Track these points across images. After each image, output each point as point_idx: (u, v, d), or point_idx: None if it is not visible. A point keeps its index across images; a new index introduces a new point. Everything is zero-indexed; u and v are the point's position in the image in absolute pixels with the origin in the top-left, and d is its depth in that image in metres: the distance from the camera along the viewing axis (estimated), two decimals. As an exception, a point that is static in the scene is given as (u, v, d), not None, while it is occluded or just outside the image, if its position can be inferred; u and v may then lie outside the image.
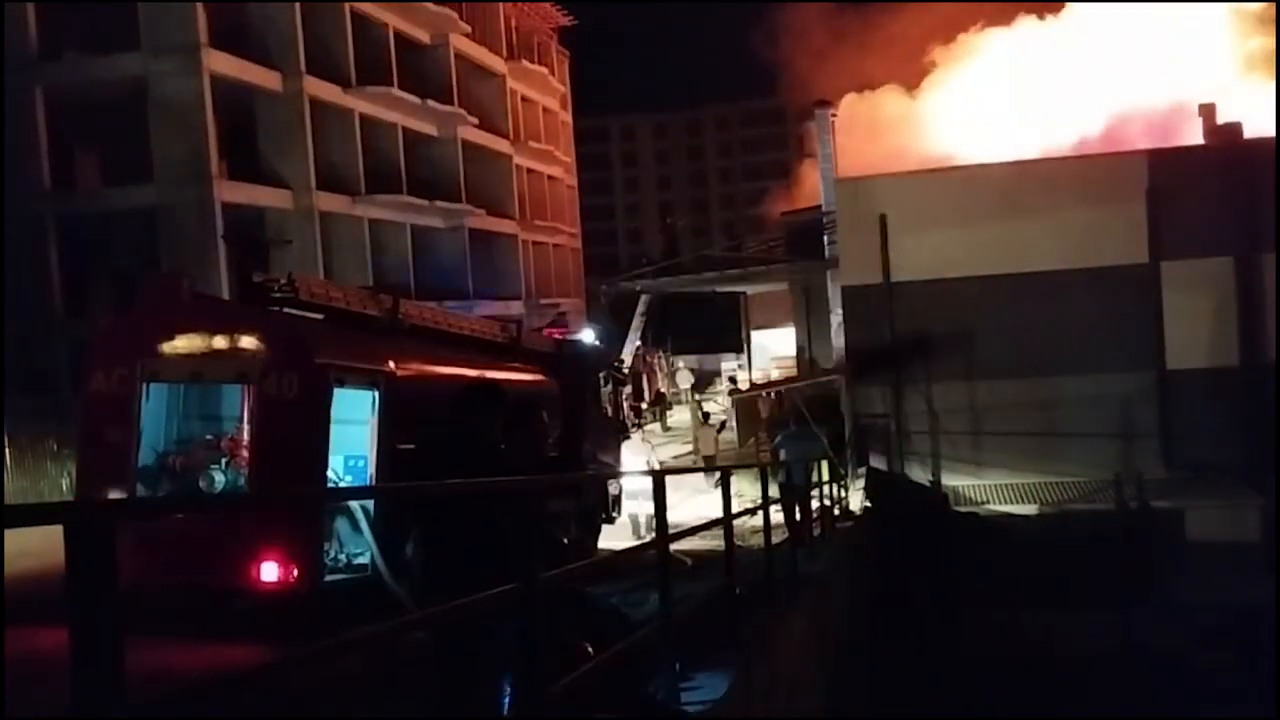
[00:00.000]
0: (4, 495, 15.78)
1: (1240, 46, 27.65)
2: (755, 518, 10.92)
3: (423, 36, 39.90)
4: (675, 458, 30.93)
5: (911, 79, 33.68)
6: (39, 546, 2.87)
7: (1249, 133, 22.27)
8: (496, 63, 46.38)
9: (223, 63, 28.77)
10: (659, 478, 6.62)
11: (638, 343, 33.18)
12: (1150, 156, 22.23)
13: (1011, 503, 21.77)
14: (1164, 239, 21.69)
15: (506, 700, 5.48)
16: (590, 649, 6.18)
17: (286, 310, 10.66)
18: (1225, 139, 22.15)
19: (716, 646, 7.59)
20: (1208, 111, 22.94)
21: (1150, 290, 21.81)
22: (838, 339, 24.77)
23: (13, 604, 4.18)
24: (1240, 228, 21.44)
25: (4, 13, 27.32)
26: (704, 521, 8.44)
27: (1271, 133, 21.67)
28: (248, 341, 9.90)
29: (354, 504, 9.66)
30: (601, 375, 18.15)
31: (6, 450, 17.31)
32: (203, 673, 2.68)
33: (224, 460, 9.92)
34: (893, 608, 17.83)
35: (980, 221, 22.24)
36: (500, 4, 47.81)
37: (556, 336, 24.09)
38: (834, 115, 26.27)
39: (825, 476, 16.79)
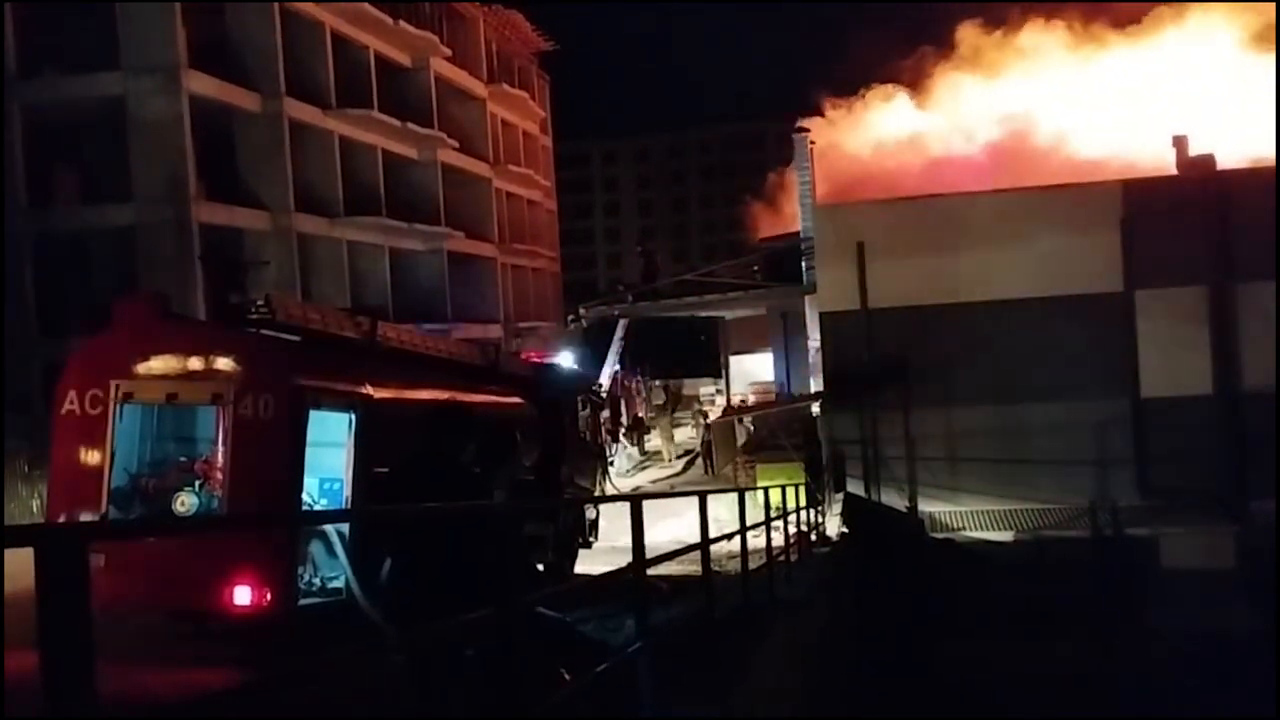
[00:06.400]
0: (3, 515, 15.63)
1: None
2: (731, 542, 10.91)
3: (403, 59, 39.98)
4: (654, 482, 30.92)
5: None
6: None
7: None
8: (477, 86, 46.50)
9: (202, 83, 28.73)
10: (636, 502, 6.61)
11: (616, 367, 33.18)
12: (1125, 186, 22.46)
13: (988, 529, 21.82)
14: (1138, 268, 21.90)
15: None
16: (567, 674, 6.16)
17: (263, 331, 10.61)
18: (1198, 169, 22.40)
19: (694, 671, 7.56)
20: (1181, 143, 23.21)
21: (1125, 319, 22.00)
22: (815, 364, 24.84)
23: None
24: (1213, 257, 21.66)
25: (4, 14, 27.27)
26: (680, 545, 8.41)
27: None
28: (223, 363, 9.85)
29: (329, 527, 9.59)
30: (580, 399, 18.14)
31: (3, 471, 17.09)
32: (175, 697, 2.65)
33: (198, 482, 9.85)
34: (870, 633, 17.81)
35: (957, 249, 22.40)
36: (481, 28, 47.97)
37: (535, 360, 24.07)
38: (812, 142, 26.43)
39: (801, 502, 16.81)
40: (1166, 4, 29.87)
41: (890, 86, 33.53)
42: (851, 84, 34.59)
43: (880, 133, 32.22)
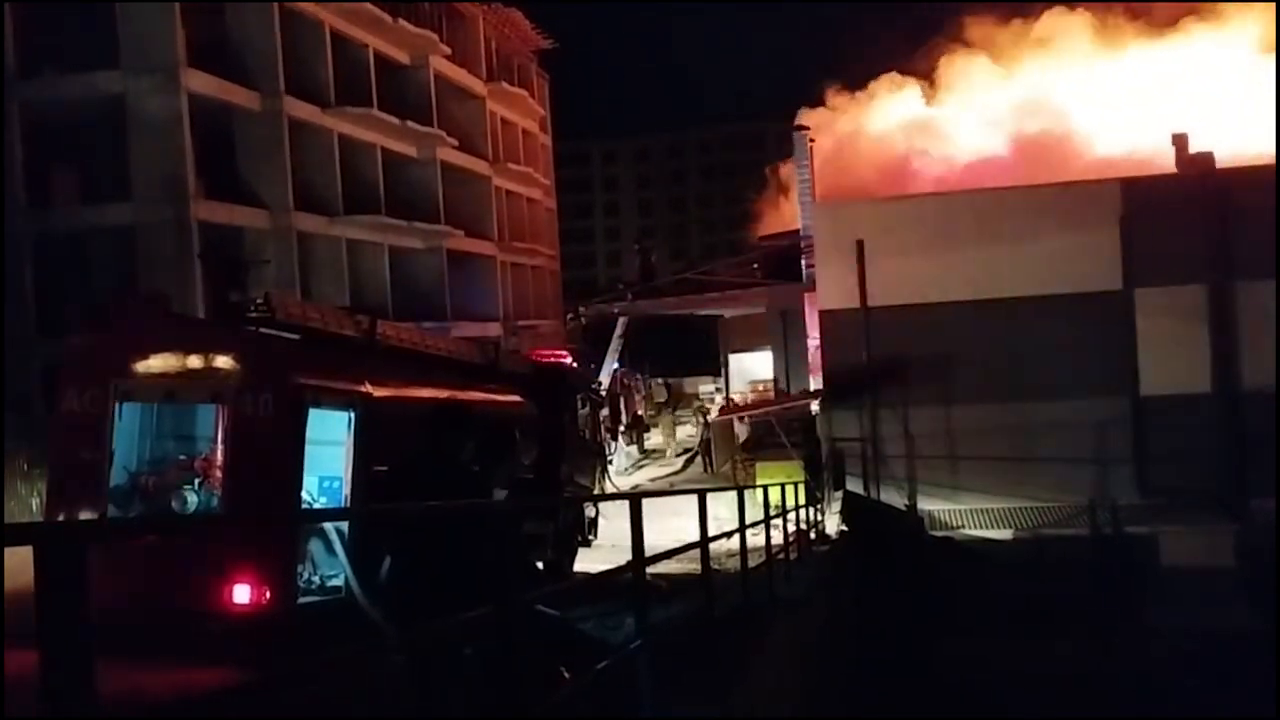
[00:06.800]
0: (3, 514, 15.63)
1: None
2: (731, 541, 10.90)
3: (402, 58, 39.94)
4: (653, 480, 30.91)
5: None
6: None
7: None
8: (476, 85, 46.46)
9: (201, 82, 28.70)
10: (635, 500, 6.60)
11: (615, 365, 33.19)
12: (1124, 185, 22.46)
13: (987, 527, 21.83)
14: (1138, 266, 21.90)
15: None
16: (567, 673, 6.16)
17: (262, 330, 10.60)
18: (1197, 168, 22.40)
19: (694, 670, 7.56)
20: (1180, 141, 23.21)
21: (1124, 317, 22.00)
22: (814, 362, 24.84)
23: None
24: (1213, 256, 21.66)
25: (4, 14, 27.23)
26: (680, 544, 8.40)
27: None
28: (222, 361, 9.84)
29: (328, 525, 9.59)
30: (579, 397, 18.14)
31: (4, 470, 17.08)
32: (174, 697, 2.64)
33: (197, 481, 9.85)
34: (869, 631, 17.81)
35: (957, 247, 22.40)
36: (480, 26, 47.93)
37: (536, 358, 24.06)
38: (812, 140, 26.43)
39: (800, 500, 16.81)
40: (1168, 4, 29.78)
41: (897, 75, 33.49)
42: (854, 81, 34.64)
43: (885, 120, 32.12)
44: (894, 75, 33.55)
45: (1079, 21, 31.48)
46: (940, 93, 32.25)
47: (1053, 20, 31.86)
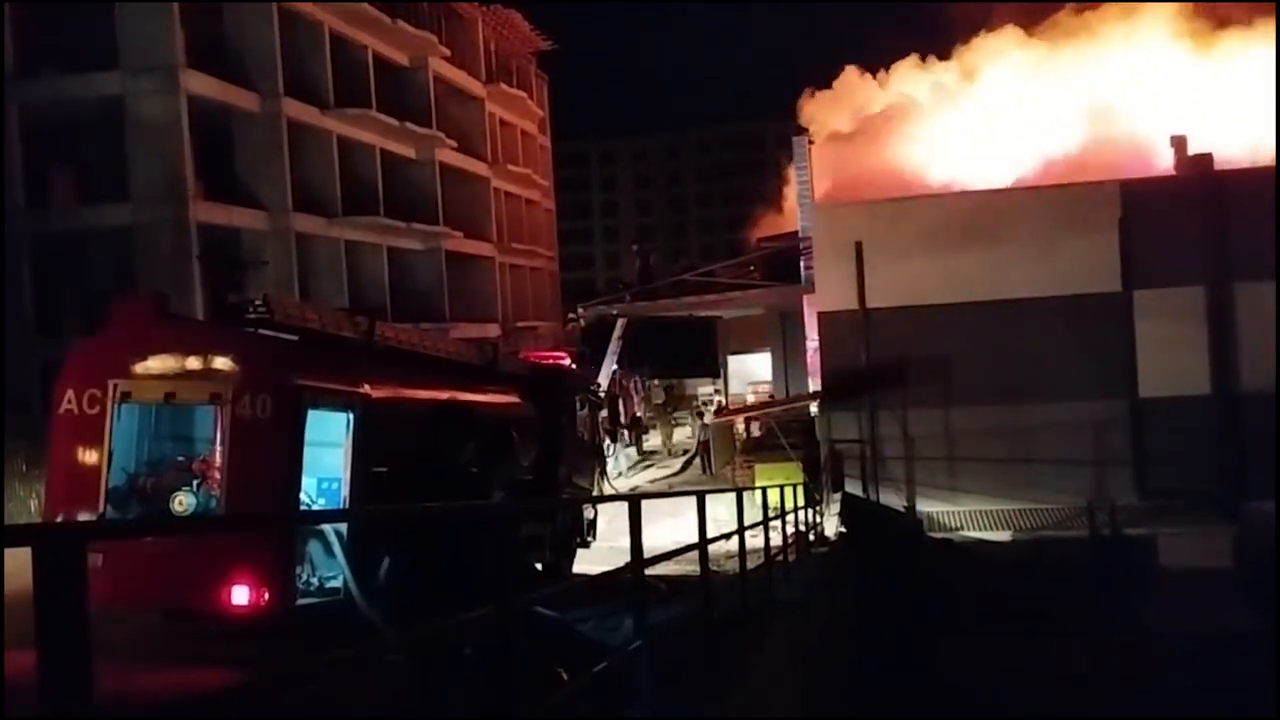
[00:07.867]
0: (2, 515, 15.61)
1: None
2: (730, 543, 10.89)
3: (401, 59, 39.97)
4: (652, 482, 30.91)
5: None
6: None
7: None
8: (475, 86, 46.48)
9: (200, 83, 28.71)
10: (634, 502, 6.59)
11: (614, 366, 33.16)
12: (1123, 186, 22.46)
13: (986, 529, 21.83)
14: (1137, 268, 21.91)
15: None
16: (564, 674, 6.15)
17: (261, 331, 10.59)
18: (1196, 169, 22.41)
19: (693, 672, 7.55)
20: (1179, 142, 23.21)
21: (1123, 318, 22.01)
22: (813, 364, 24.85)
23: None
24: (1212, 257, 21.67)
25: (4, 14, 27.23)
26: (678, 545, 8.39)
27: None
28: (221, 362, 9.83)
29: (327, 527, 9.58)
30: (578, 399, 18.13)
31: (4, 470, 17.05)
32: (174, 697, 2.64)
33: (196, 482, 9.83)
34: (868, 633, 17.80)
35: (956, 249, 22.41)
36: (479, 28, 47.96)
37: (536, 359, 24.06)
38: (811, 143, 26.43)
39: (799, 502, 16.79)
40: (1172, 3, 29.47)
41: (914, 58, 33.27)
42: (865, 65, 34.43)
43: (900, 104, 31.81)
44: (914, 59, 33.31)
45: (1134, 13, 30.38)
46: (960, 77, 31.80)
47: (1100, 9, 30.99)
